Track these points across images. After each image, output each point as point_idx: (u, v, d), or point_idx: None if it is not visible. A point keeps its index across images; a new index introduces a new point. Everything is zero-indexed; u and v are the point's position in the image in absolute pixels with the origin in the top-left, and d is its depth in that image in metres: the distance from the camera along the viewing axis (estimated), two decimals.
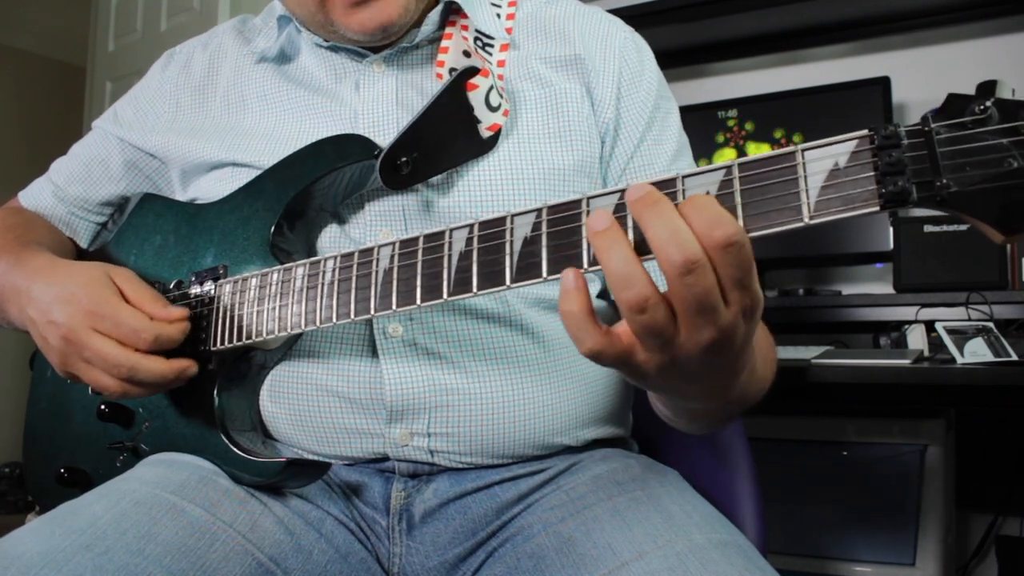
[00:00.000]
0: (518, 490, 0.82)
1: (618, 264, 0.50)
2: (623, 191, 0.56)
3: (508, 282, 0.60)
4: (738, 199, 0.53)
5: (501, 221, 0.61)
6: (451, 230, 0.64)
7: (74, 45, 4.19)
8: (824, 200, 0.51)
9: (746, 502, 0.93)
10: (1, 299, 0.88)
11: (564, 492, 0.79)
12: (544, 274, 0.58)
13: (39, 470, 0.96)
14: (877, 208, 0.50)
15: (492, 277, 0.61)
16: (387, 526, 0.82)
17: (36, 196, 1.04)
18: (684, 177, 0.54)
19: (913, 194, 0.50)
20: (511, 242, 0.60)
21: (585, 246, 0.57)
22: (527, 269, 0.59)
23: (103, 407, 0.86)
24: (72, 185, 1.02)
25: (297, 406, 0.83)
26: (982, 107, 0.49)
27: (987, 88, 0.50)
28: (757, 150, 1.99)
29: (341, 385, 0.81)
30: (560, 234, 0.58)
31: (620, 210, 0.56)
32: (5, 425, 3.98)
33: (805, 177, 0.52)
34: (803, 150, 0.52)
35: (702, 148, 2.03)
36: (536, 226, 0.59)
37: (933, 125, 0.50)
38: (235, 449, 0.78)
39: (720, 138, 2.03)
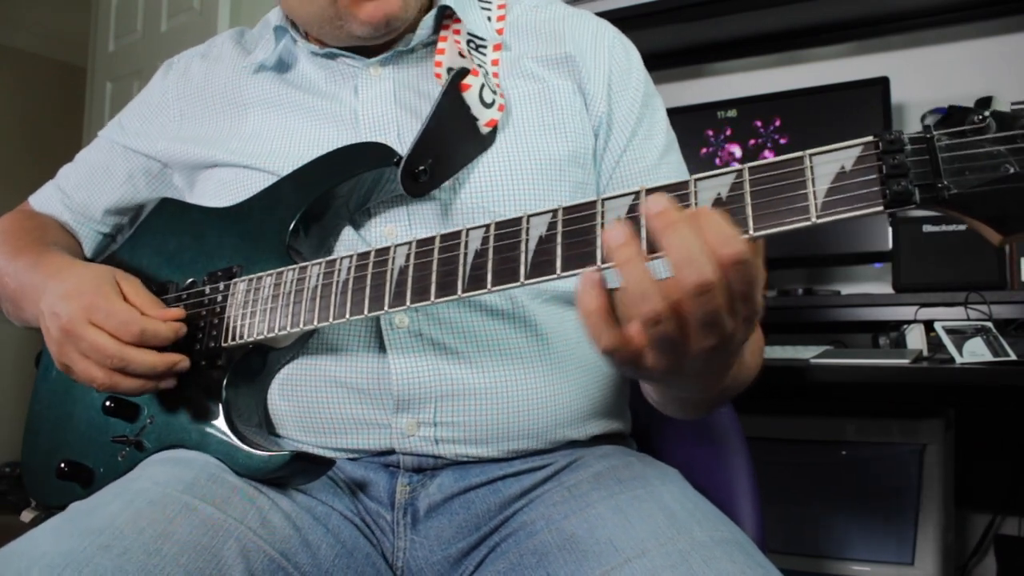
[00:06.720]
0: (521, 485, 0.83)
1: (635, 281, 0.54)
2: (637, 193, 0.59)
3: (522, 278, 0.62)
4: (748, 199, 0.55)
5: (517, 221, 0.64)
6: (467, 230, 0.67)
7: (74, 45, 4.19)
8: (831, 200, 0.54)
9: (743, 499, 0.94)
10: (20, 297, 0.92)
11: (566, 488, 0.80)
12: (558, 270, 0.61)
13: (38, 465, 0.97)
14: (881, 208, 0.53)
15: (506, 274, 0.63)
16: (392, 521, 0.83)
17: (46, 202, 1.07)
18: (697, 180, 0.57)
19: (916, 195, 0.52)
20: (526, 241, 0.63)
21: (599, 244, 0.59)
22: (541, 266, 0.62)
23: (108, 403, 0.87)
24: (78, 192, 1.05)
25: (304, 398, 0.84)
26: (981, 117, 0.52)
27: (984, 102, 0.53)
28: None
29: (348, 375, 0.82)
30: (575, 233, 0.61)
31: (633, 211, 0.58)
32: (5, 425, 3.98)
33: (813, 180, 0.54)
34: (811, 155, 0.55)
35: (702, 148, 2.03)
36: (551, 226, 0.62)
37: (935, 132, 0.53)
38: (240, 443, 0.78)
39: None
